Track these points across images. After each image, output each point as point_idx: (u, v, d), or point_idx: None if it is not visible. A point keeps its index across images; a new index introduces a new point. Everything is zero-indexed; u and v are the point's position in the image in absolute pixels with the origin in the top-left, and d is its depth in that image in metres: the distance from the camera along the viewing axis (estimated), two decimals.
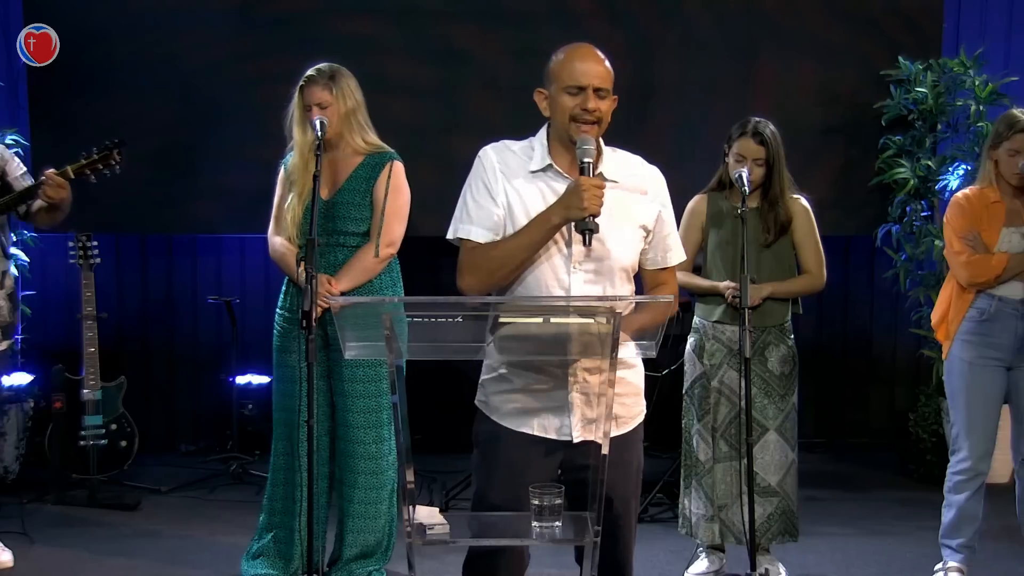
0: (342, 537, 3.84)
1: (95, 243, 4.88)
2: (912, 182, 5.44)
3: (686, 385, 3.99)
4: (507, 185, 2.56)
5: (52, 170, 3.76)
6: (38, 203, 3.80)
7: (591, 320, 2.26)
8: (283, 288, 3.87)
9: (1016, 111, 3.75)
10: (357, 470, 3.77)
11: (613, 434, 2.60)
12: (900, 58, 5.53)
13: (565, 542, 2.41)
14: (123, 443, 5.08)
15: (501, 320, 2.24)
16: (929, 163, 5.43)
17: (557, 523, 2.33)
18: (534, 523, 2.33)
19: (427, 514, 2.36)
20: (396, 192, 3.74)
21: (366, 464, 3.77)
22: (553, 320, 2.28)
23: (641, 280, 2.69)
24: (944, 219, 3.88)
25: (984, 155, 3.84)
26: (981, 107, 5.30)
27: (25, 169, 4.06)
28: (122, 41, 5.51)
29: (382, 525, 3.82)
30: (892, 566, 4.21)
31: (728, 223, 3.86)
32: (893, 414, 6.09)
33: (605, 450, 2.32)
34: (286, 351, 3.80)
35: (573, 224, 2.47)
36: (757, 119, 3.83)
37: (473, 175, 2.62)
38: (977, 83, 5.32)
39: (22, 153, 5.20)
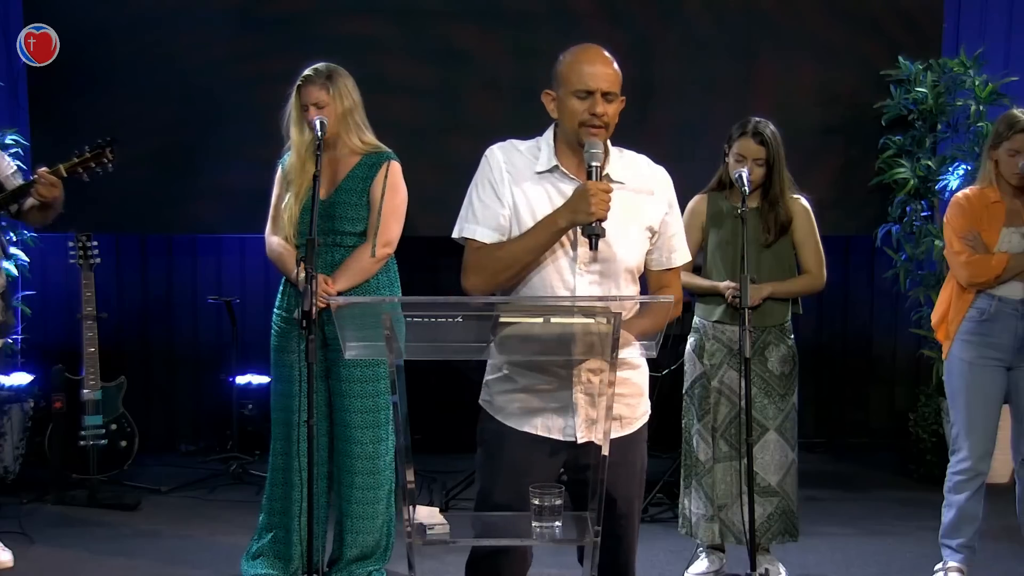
0: (341, 537, 3.84)
1: (95, 243, 4.88)
2: (912, 182, 5.44)
3: (686, 385, 3.99)
4: (513, 185, 2.56)
5: (44, 168, 3.75)
6: (30, 201, 3.79)
7: (591, 320, 2.25)
8: (280, 288, 3.87)
9: (1016, 111, 3.75)
10: (355, 470, 3.77)
11: (617, 435, 2.61)
12: (900, 58, 5.53)
13: (565, 542, 2.41)
14: (123, 443, 5.08)
15: (501, 320, 2.24)
16: (929, 163, 5.43)
17: (557, 523, 2.33)
18: (534, 523, 2.34)
19: (427, 514, 2.36)
20: (393, 192, 3.74)
21: (364, 464, 3.77)
22: (553, 320, 2.28)
23: (646, 281, 2.69)
24: (944, 219, 3.88)
25: (984, 155, 3.84)
26: (981, 107, 5.30)
27: (16, 167, 4.06)
28: (122, 41, 5.51)
29: (380, 525, 3.82)
30: (892, 566, 4.21)
31: (728, 223, 3.86)
32: (893, 414, 6.08)
33: (605, 451, 2.32)
34: (284, 351, 3.80)
35: (579, 228, 2.47)
36: (757, 119, 3.83)
37: (479, 175, 2.61)
38: (977, 83, 5.32)
39: (22, 153, 5.21)
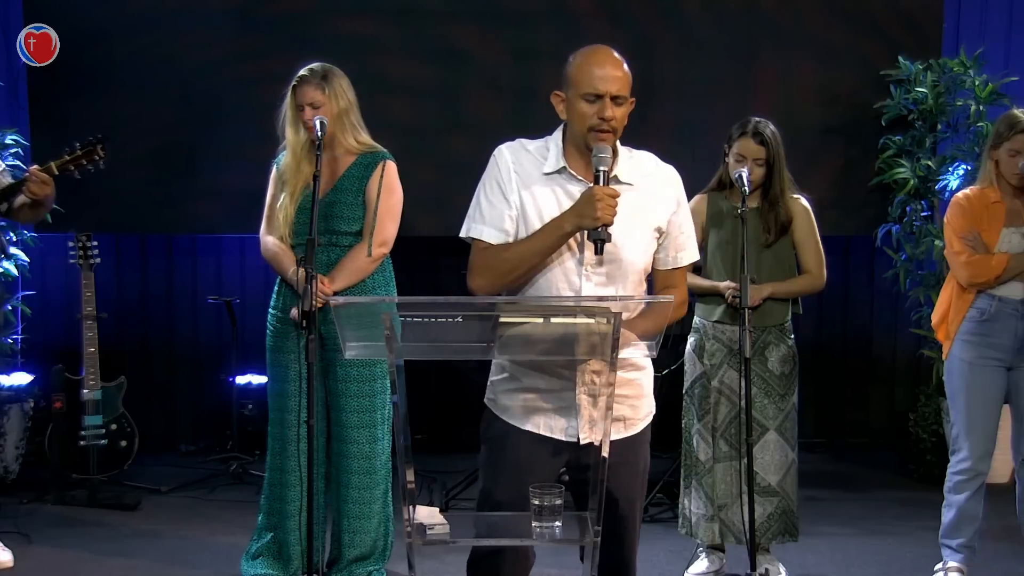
0: (339, 538, 3.84)
1: (95, 243, 4.88)
2: (912, 182, 5.44)
3: (686, 385, 3.99)
4: (521, 186, 2.56)
5: (36, 166, 3.76)
6: (20, 199, 3.79)
7: (591, 320, 2.25)
8: (275, 288, 3.87)
9: (1016, 111, 3.75)
10: (351, 470, 3.77)
11: (622, 435, 2.62)
12: (900, 58, 5.53)
13: (565, 542, 2.41)
14: (123, 443, 5.08)
15: (501, 320, 2.24)
16: (929, 163, 5.43)
17: (557, 523, 2.33)
18: (534, 523, 2.34)
19: (427, 514, 2.36)
20: (389, 192, 3.74)
21: (360, 464, 3.77)
22: (553, 320, 2.28)
23: (652, 281, 2.69)
24: (944, 219, 3.88)
25: (984, 155, 3.84)
26: (981, 107, 5.30)
27: (4, 166, 4.06)
28: (122, 41, 5.51)
29: (377, 525, 3.82)
30: (892, 566, 4.21)
31: (728, 223, 3.86)
32: (893, 414, 6.08)
33: (605, 452, 2.32)
34: (280, 351, 3.80)
35: (585, 232, 2.47)
36: (757, 119, 3.83)
37: (487, 174, 2.61)
38: (977, 83, 5.32)
39: (22, 153, 5.21)
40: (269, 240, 3.81)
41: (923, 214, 5.50)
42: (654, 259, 2.64)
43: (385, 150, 3.80)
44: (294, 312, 3.67)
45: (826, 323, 6.10)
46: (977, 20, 5.86)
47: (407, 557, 2.34)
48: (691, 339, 3.99)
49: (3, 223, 5.03)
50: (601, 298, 2.45)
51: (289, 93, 3.70)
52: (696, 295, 3.96)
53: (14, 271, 5.25)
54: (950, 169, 5.31)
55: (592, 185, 2.48)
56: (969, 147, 5.29)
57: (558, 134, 2.62)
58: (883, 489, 5.32)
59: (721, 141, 3.92)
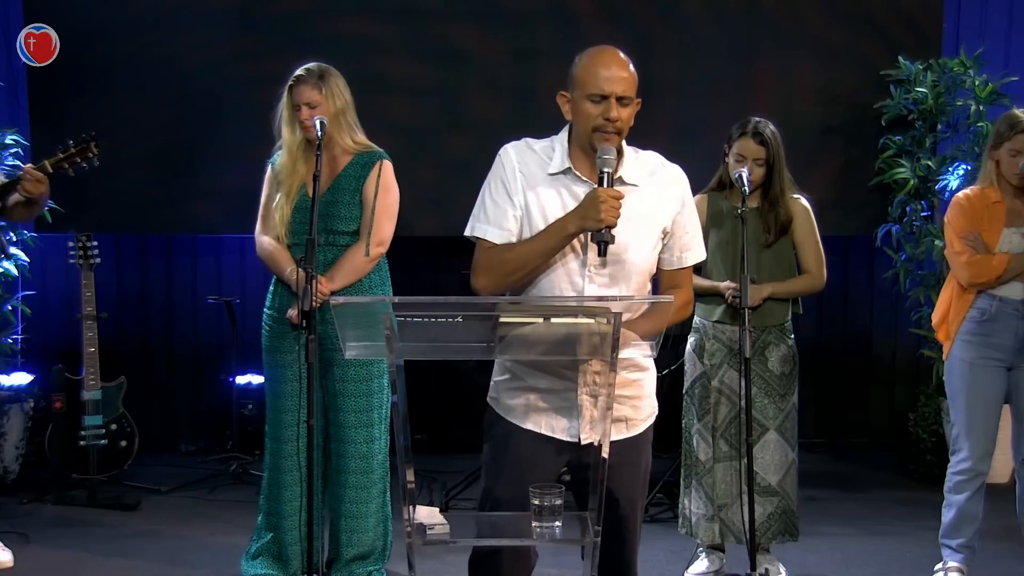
0: (337, 538, 3.84)
1: (95, 243, 4.88)
2: (912, 182, 5.44)
3: (686, 385, 3.99)
4: (525, 186, 2.56)
5: (30, 165, 3.76)
6: (15, 197, 3.79)
7: (591, 320, 2.25)
8: (270, 288, 3.86)
9: (1017, 111, 3.75)
10: (348, 469, 3.78)
11: (623, 436, 2.62)
12: (900, 58, 5.53)
13: (565, 542, 2.41)
14: (123, 443, 5.08)
15: (501, 320, 2.24)
16: (929, 163, 5.43)
17: (557, 523, 2.33)
18: (534, 523, 2.34)
19: (427, 514, 2.36)
20: (386, 191, 3.74)
21: (357, 464, 3.77)
22: (553, 321, 2.28)
23: (658, 281, 2.69)
24: (945, 219, 3.88)
25: (985, 155, 3.84)
26: (981, 107, 5.30)
27: None
28: (122, 41, 5.51)
29: (374, 525, 3.82)
30: (892, 566, 4.21)
31: (728, 223, 3.86)
32: (893, 414, 6.08)
33: (605, 452, 2.32)
34: (276, 351, 3.80)
35: (589, 233, 2.47)
36: (757, 119, 3.83)
37: (493, 174, 2.61)
38: (977, 83, 5.32)
39: (22, 153, 5.21)
40: (265, 240, 3.81)
41: (923, 214, 5.50)
42: (659, 259, 2.64)
43: (381, 150, 3.80)
44: (293, 312, 3.67)
45: (826, 323, 6.10)
46: (977, 20, 5.86)
47: (407, 557, 2.34)
48: (691, 339, 3.99)
49: (2, 223, 5.03)
50: (601, 298, 2.45)
51: (285, 93, 3.71)
52: (696, 295, 3.96)
53: (14, 271, 5.25)
54: (950, 169, 5.31)
55: (596, 187, 2.48)
56: (969, 147, 5.29)
57: (564, 134, 2.62)
58: (883, 489, 5.32)
59: (721, 141, 3.92)
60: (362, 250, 3.71)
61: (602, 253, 2.46)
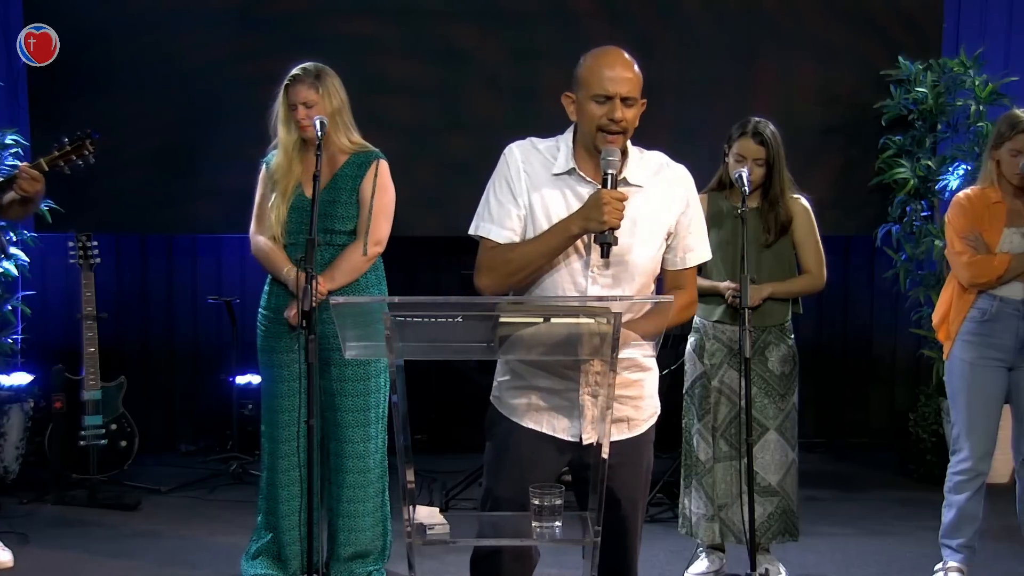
0: (334, 536, 3.84)
1: (95, 243, 4.88)
2: (912, 182, 5.44)
3: (686, 385, 3.99)
4: (530, 185, 2.56)
5: (25, 164, 3.75)
6: (10, 196, 3.79)
7: (591, 320, 2.25)
8: (265, 288, 3.86)
9: (1018, 111, 3.75)
10: (346, 469, 3.78)
11: (625, 436, 2.62)
12: (900, 58, 5.53)
13: (566, 542, 2.41)
14: (123, 443, 5.07)
15: (501, 320, 2.24)
16: (929, 163, 5.43)
17: (557, 523, 2.33)
18: (534, 523, 2.34)
19: (427, 514, 2.36)
20: (382, 191, 3.75)
21: (354, 463, 3.78)
22: (553, 321, 2.28)
23: (662, 281, 2.69)
24: (945, 219, 3.88)
25: (986, 155, 3.84)
26: (981, 107, 5.30)
27: None
28: (122, 41, 5.51)
29: (372, 524, 3.82)
30: (892, 566, 4.21)
31: (728, 223, 3.86)
32: (893, 414, 6.08)
33: (605, 452, 2.32)
34: (273, 351, 3.80)
35: (593, 234, 2.47)
36: (757, 119, 3.83)
37: (497, 173, 2.61)
38: (977, 83, 5.32)
39: (22, 153, 5.21)
40: (260, 240, 3.81)
41: (923, 214, 5.50)
42: (663, 259, 2.63)
43: (377, 149, 3.80)
44: (292, 312, 3.67)
45: (826, 323, 6.10)
46: (977, 20, 5.86)
47: (407, 557, 2.33)
48: (691, 339, 3.99)
49: (2, 223, 5.03)
50: (601, 298, 2.45)
51: (281, 92, 3.71)
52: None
53: (14, 271, 5.25)
54: (950, 169, 5.31)
55: (600, 188, 2.47)
56: (969, 147, 5.29)
57: (568, 134, 2.61)
58: (883, 489, 5.32)
59: (721, 141, 3.92)
60: (360, 249, 3.71)
61: (605, 254, 2.46)
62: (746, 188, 3.60)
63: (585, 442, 2.56)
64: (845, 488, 5.34)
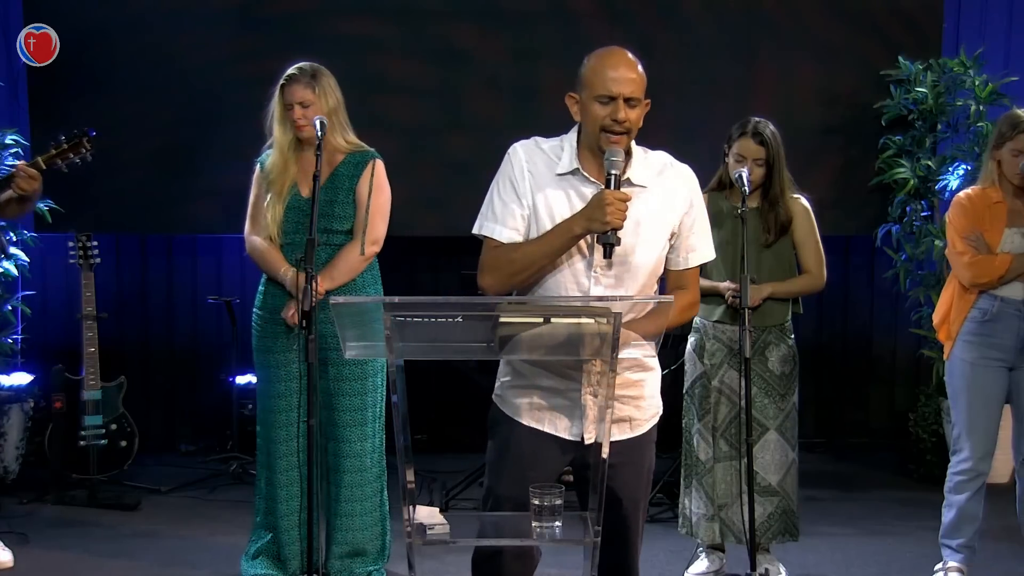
0: (331, 535, 3.83)
1: (95, 243, 4.88)
2: (912, 182, 5.44)
3: (686, 385, 3.99)
4: (533, 185, 2.56)
5: (22, 162, 3.76)
6: (7, 195, 3.79)
7: (591, 320, 2.25)
8: (260, 288, 3.85)
9: (1019, 111, 3.74)
10: (342, 468, 3.78)
11: (627, 436, 2.63)
12: (900, 58, 5.53)
13: (566, 542, 2.41)
14: (123, 443, 5.07)
15: (501, 320, 2.24)
16: (929, 163, 5.43)
17: (557, 523, 2.33)
18: (534, 523, 2.34)
19: (427, 514, 2.36)
20: (379, 190, 3.75)
21: (351, 462, 3.78)
22: (553, 321, 2.28)
23: (665, 281, 2.69)
24: (946, 219, 3.88)
25: (986, 155, 3.83)
26: (981, 107, 5.30)
27: None
28: (122, 41, 5.51)
29: (369, 523, 3.82)
30: (892, 566, 4.21)
31: (728, 223, 3.86)
32: (893, 414, 6.08)
33: (605, 452, 2.32)
34: (269, 351, 3.80)
35: (596, 235, 2.47)
36: (757, 119, 3.83)
37: (501, 172, 2.61)
38: (977, 83, 5.32)
39: (21, 153, 5.21)
40: (256, 240, 3.81)
41: (923, 214, 5.50)
42: (666, 259, 2.63)
43: (372, 149, 3.81)
44: (290, 312, 3.66)
45: (826, 323, 6.10)
46: (977, 20, 5.86)
47: (407, 557, 2.33)
48: (691, 339, 3.99)
49: (3, 223, 5.03)
50: (601, 298, 2.45)
51: (277, 92, 3.71)
52: None
53: (14, 271, 5.25)
54: (950, 169, 5.31)
55: (603, 188, 2.47)
56: (969, 147, 5.29)
57: (573, 134, 2.61)
58: (883, 489, 5.32)
59: (721, 141, 3.92)
60: (357, 249, 3.72)
61: (607, 255, 2.46)
62: (746, 188, 3.60)
63: (587, 442, 2.56)
64: (845, 488, 5.34)
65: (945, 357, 3.88)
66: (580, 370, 2.54)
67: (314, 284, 3.30)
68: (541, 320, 2.26)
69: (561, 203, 2.54)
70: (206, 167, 5.50)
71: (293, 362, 3.71)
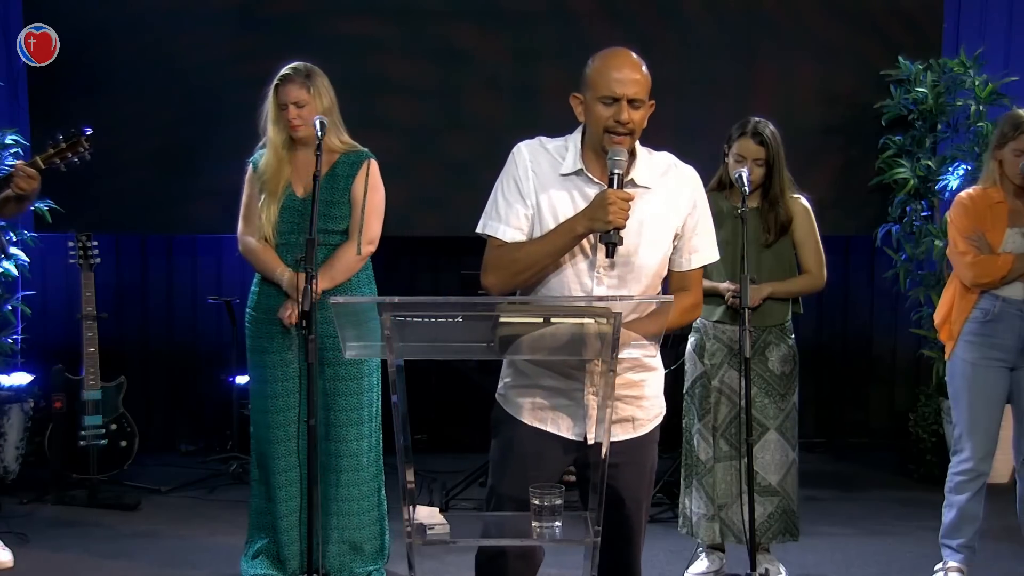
0: (327, 534, 3.83)
1: (95, 243, 4.88)
2: (912, 182, 5.44)
3: (687, 385, 3.99)
4: (537, 185, 2.56)
5: (21, 162, 3.76)
6: (6, 194, 3.79)
7: (591, 320, 2.25)
8: (253, 288, 3.85)
9: (1021, 111, 3.74)
10: (340, 468, 3.78)
11: (630, 436, 2.63)
12: (900, 58, 5.53)
13: (567, 542, 2.41)
14: (123, 443, 5.07)
15: (501, 320, 2.24)
16: (929, 163, 5.43)
17: (557, 523, 2.33)
18: (534, 523, 2.33)
19: (427, 514, 2.36)
20: (374, 190, 3.76)
21: (348, 462, 3.78)
22: (553, 320, 2.27)
23: (668, 282, 2.69)
24: (948, 219, 3.88)
25: (988, 155, 3.83)
26: (981, 107, 5.30)
27: None
28: (122, 41, 5.51)
29: (367, 522, 3.82)
30: (892, 566, 4.21)
31: (728, 223, 3.86)
32: (893, 414, 6.08)
33: (605, 452, 2.32)
34: (264, 351, 3.79)
35: (598, 234, 2.47)
36: (757, 119, 3.83)
37: (505, 172, 2.61)
38: (977, 83, 5.32)
39: (21, 153, 5.21)
40: (250, 241, 3.80)
41: (923, 214, 5.50)
42: (669, 260, 2.63)
43: (366, 149, 3.81)
44: (288, 313, 3.66)
45: (826, 323, 6.10)
46: (977, 20, 5.86)
47: (407, 557, 2.33)
48: (691, 339, 3.99)
49: (3, 223, 5.03)
50: (601, 298, 2.45)
51: (271, 92, 3.71)
52: None
53: (14, 271, 5.25)
54: (950, 169, 5.31)
55: (606, 188, 2.48)
56: (969, 147, 5.29)
57: (577, 135, 2.61)
58: (883, 489, 5.32)
59: (721, 141, 3.92)
60: (353, 249, 3.72)
61: (610, 255, 2.46)
62: (746, 188, 3.60)
63: (590, 442, 2.56)
64: (845, 488, 5.34)
65: (946, 357, 3.88)
66: (583, 370, 2.54)
67: (313, 284, 3.30)
68: (540, 320, 2.26)
69: (565, 203, 2.54)
70: (206, 167, 5.50)
71: (290, 363, 3.71)
